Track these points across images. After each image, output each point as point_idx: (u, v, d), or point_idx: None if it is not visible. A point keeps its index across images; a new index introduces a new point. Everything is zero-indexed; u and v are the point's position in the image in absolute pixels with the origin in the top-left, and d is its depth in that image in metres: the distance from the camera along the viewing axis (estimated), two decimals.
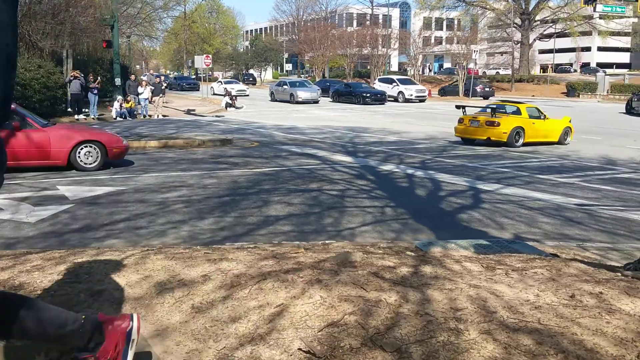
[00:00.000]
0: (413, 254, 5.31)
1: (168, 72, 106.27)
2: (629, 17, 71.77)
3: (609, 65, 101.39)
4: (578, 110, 36.26)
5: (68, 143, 11.45)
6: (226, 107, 34.93)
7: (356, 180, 11.15)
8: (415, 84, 44.97)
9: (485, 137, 17.22)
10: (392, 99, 42.01)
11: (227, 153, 14.78)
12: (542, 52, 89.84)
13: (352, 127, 23.52)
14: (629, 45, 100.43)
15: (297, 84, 41.53)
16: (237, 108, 35.44)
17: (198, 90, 58.14)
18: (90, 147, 11.63)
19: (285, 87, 40.87)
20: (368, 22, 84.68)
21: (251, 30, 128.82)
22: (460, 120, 18.16)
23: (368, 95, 39.40)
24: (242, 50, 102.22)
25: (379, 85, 43.85)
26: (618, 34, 75.27)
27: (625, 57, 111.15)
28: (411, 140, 18.66)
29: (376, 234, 7.15)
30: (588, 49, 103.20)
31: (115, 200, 8.79)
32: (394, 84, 43.30)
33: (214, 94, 50.02)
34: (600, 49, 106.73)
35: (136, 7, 53.39)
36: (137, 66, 70.07)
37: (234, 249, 5.40)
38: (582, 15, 66.15)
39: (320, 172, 11.91)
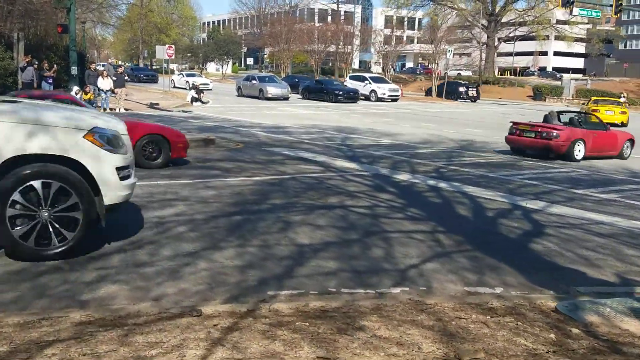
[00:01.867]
0: (572, 328, 3.70)
1: (119, 62, 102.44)
2: (584, 23, 72.54)
3: (565, 70, 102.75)
4: None
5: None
6: (192, 102, 32.79)
7: (377, 193, 9.51)
8: (388, 82, 43.60)
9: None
10: (364, 98, 40.51)
11: (213, 156, 12.93)
12: (499, 54, 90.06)
13: (336, 127, 21.87)
14: (583, 51, 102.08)
15: (267, 79, 39.58)
16: (203, 103, 33.37)
17: (156, 82, 55.43)
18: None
19: (254, 82, 38.87)
20: (330, 18, 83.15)
21: (209, 22, 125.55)
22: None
23: (340, 92, 37.76)
24: (198, 42, 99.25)
25: (350, 83, 42.26)
26: (582, 39, 75.77)
27: (579, 63, 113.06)
28: (409, 144, 17.13)
29: (453, 276, 5.53)
30: (545, 53, 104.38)
31: None
32: (366, 82, 41.78)
33: (175, 87, 47.60)
34: (556, 53, 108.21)
35: None
36: (87, 55, 66.80)
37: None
38: (548, 19, 66.16)
39: (330, 182, 10.23)
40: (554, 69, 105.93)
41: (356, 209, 8.20)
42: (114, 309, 4.17)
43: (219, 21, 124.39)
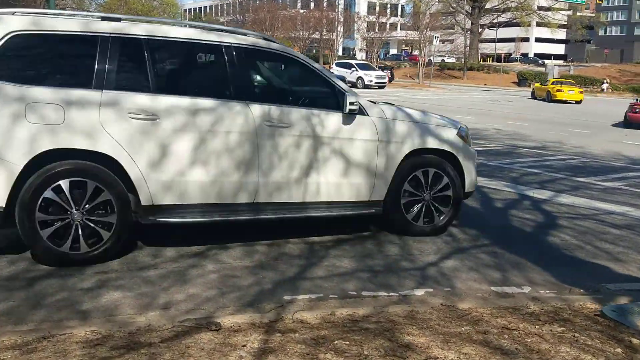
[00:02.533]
0: (632, 339, 3.40)
1: None
2: (565, 10, 72.58)
3: (547, 56, 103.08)
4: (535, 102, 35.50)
5: None
6: None
7: None
8: (374, 69, 43.24)
9: None
10: (350, 85, 40.11)
11: None
12: (482, 41, 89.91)
13: None
14: (564, 37, 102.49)
15: None
16: None
17: None
18: None
19: None
20: (313, 4, 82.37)
21: (190, 9, 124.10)
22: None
23: None
24: None
25: (336, 70, 41.79)
26: (563, 26, 75.86)
27: (560, 49, 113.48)
28: None
29: (475, 274, 5.23)
30: (527, 39, 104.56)
31: None
32: (353, 69, 41.39)
33: None
34: (538, 39, 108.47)
35: None
36: None
37: None
38: (531, 5, 66.11)
39: None
40: (536, 55, 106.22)
41: None
42: (121, 322, 3.81)
43: (200, 8, 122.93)
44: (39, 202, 4.68)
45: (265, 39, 5.82)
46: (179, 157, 5.09)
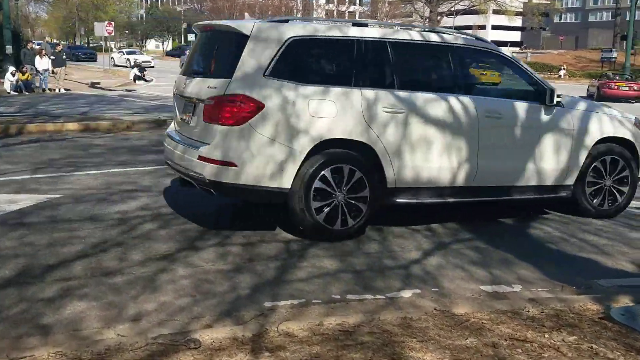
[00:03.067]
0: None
1: (55, 40, 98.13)
2: None
3: (503, 44, 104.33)
4: None
5: None
6: (135, 80, 31.37)
7: None
8: None
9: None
10: None
11: None
12: None
13: None
14: (520, 25, 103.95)
15: None
16: (147, 81, 31.99)
17: (95, 60, 53.20)
18: None
19: None
20: None
21: None
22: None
23: None
24: (136, 19, 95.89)
25: None
26: (520, 13, 76.64)
27: (517, 36, 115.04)
28: None
29: (461, 272, 4.99)
30: (483, 27, 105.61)
31: (52, 218, 6.07)
32: None
33: (115, 65, 45.69)
34: (494, 27, 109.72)
35: None
36: (22, 33, 63.40)
37: None
38: None
39: None
40: (493, 42, 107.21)
41: None
42: (88, 338, 3.43)
43: None
44: (312, 188, 5.35)
45: (478, 39, 6.52)
46: (418, 145, 5.73)
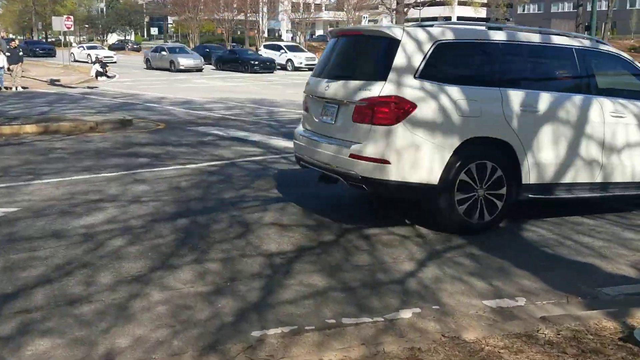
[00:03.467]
0: None
1: (11, 35, 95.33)
2: None
3: None
4: None
5: None
6: (97, 77, 30.43)
7: None
8: (304, 51, 42.36)
9: None
10: (280, 67, 39.19)
11: (134, 140, 11.44)
12: (406, 21, 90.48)
13: (256, 99, 20.64)
14: (485, 16, 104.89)
15: (177, 50, 37.37)
16: (109, 77, 31.06)
17: (54, 56, 51.68)
18: None
19: (163, 53, 36.61)
20: None
21: None
22: None
23: (256, 62, 36.28)
24: (96, 13, 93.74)
25: (265, 52, 40.71)
26: (484, 4, 76.97)
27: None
28: None
29: (461, 285, 4.64)
30: (449, 19, 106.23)
31: (9, 237, 5.53)
32: (282, 50, 40.37)
33: (75, 61, 44.41)
34: (459, 18, 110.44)
35: None
36: None
37: None
38: None
39: (277, 167, 9.14)
40: None
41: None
42: None
43: None
44: (456, 183, 5.65)
45: (598, 41, 6.76)
46: (550, 142, 6.02)
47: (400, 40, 5.63)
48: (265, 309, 4.11)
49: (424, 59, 5.62)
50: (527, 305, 4.30)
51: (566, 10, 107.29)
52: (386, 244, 5.61)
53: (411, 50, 5.62)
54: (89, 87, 25.49)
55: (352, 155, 5.64)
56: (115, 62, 43.65)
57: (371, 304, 4.25)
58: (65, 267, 4.79)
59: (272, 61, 37.17)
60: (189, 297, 4.28)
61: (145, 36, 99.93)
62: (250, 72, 35.45)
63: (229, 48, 46.70)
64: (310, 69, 39.85)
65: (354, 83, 5.81)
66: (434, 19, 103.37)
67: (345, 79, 6.01)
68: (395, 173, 5.50)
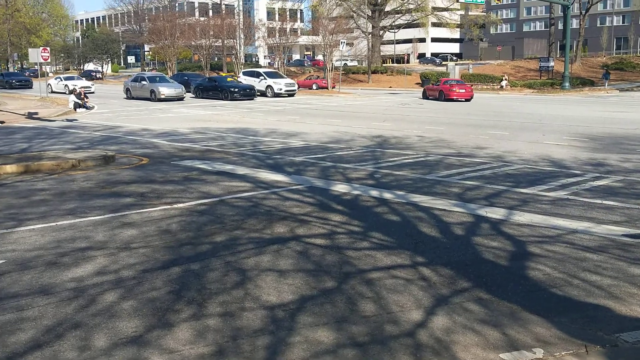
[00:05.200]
0: None
1: None
2: (458, 9, 74.83)
3: (443, 56, 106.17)
4: (452, 103, 35.78)
5: None
6: (75, 108, 29.99)
7: (325, 213, 8.32)
8: (283, 77, 42.28)
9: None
10: (260, 94, 39.07)
11: (118, 177, 11.16)
12: (381, 43, 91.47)
13: (238, 128, 20.46)
14: (458, 36, 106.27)
15: (158, 79, 37.10)
16: (88, 109, 30.64)
17: (31, 87, 51.09)
18: None
19: (144, 82, 36.33)
20: (211, 12, 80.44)
21: (82, 20, 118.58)
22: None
23: (236, 90, 36.10)
24: (72, 42, 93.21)
25: (244, 79, 40.56)
26: (459, 25, 77.99)
27: (455, 48, 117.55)
28: (323, 146, 15.97)
29: (473, 336, 4.46)
30: (423, 40, 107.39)
31: None
32: (261, 77, 40.28)
33: (53, 92, 43.91)
34: (433, 39, 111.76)
35: None
36: None
37: None
38: (429, 7, 67.47)
39: (268, 204, 8.92)
40: (432, 54, 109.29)
41: (313, 240, 6.97)
42: None
43: (92, 18, 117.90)
44: None
45: None
46: None
47: None
48: None
49: None
50: (545, 357, 4.13)
51: (538, 29, 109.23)
52: (390, 289, 5.42)
53: None
54: (67, 120, 25.09)
55: None
56: (93, 93, 43.23)
57: None
58: (56, 328, 4.53)
59: (252, 88, 37.04)
60: None
61: (122, 64, 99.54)
62: (231, 100, 35.28)
63: (207, 75, 46.51)
64: (290, 95, 39.83)
65: None
66: (409, 40, 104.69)
67: None
68: None
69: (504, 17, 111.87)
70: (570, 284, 5.63)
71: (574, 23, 70.22)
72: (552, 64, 54.25)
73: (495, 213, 8.44)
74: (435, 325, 4.65)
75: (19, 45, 75.33)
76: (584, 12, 57.19)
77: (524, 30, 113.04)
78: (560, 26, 74.75)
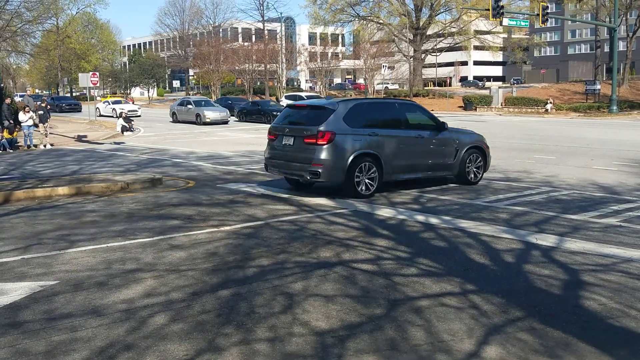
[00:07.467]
0: None
1: (37, 91, 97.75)
2: (501, 33, 74.32)
3: (485, 78, 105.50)
4: (495, 124, 35.43)
5: None
6: (122, 132, 30.77)
7: (370, 238, 8.27)
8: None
9: None
10: None
11: (165, 200, 11.34)
12: (423, 67, 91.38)
13: None
14: (501, 59, 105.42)
15: (203, 102, 37.82)
16: (134, 132, 31.38)
17: (80, 111, 52.70)
18: None
19: (189, 106, 37.07)
20: (254, 37, 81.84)
21: (129, 46, 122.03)
22: None
23: (278, 114, 36.44)
24: (119, 67, 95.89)
25: (286, 103, 40.99)
26: (502, 48, 77.44)
27: (498, 71, 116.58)
28: None
29: None
30: (465, 63, 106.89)
31: (48, 314, 5.34)
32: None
33: (101, 115, 45.13)
34: (476, 62, 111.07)
35: (3, 18, 47.49)
36: (2, 85, 62.80)
37: None
38: (472, 30, 67.22)
39: (312, 227, 8.92)
40: (475, 77, 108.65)
41: (359, 265, 6.92)
42: None
43: (139, 44, 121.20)
44: None
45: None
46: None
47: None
48: None
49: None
50: None
51: (582, 51, 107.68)
52: (440, 317, 5.32)
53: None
54: (115, 143, 25.73)
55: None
56: (139, 116, 44.27)
57: None
58: (108, 350, 4.58)
59: None
60: None
61: (168, 88, 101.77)
62: None
63: (250, 100, 47.16)
64: None
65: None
66: (451, 64, 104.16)
67: None
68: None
69: (548, 39, 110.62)
70: (627, 315, 5.44)
71: (621, 45, 68.94)
72: (598, 86, 53.25)
73: (545, 240, 8.25)
74: (488, 355, 4.54)
75: (68, 70, 77.83)
76: (631, 34, 55.98)
77: (568, 52, 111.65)
78: (607, 49, 73.89)
